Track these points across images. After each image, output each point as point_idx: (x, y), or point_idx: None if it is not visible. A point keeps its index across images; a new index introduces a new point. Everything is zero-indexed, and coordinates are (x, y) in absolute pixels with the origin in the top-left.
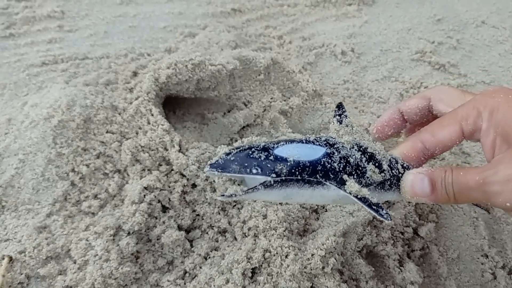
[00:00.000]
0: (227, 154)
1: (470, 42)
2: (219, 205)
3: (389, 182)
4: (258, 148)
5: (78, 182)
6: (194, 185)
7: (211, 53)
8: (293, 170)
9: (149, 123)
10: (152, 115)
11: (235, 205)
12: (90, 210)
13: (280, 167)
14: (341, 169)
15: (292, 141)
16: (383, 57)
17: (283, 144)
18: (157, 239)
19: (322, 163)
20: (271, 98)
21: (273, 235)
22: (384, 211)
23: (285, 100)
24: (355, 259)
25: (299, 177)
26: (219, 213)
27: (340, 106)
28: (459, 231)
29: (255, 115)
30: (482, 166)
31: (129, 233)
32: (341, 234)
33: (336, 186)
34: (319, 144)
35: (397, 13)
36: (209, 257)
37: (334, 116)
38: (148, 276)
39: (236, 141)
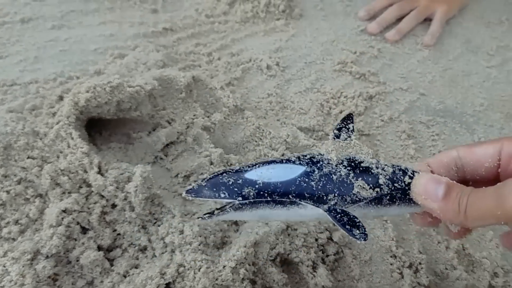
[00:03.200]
0: (203, 179)
1: (391, 50)
2: (139, 223)
3: (389, 197)
4: (231, 172)
5: None
6: (113, 205)
7: (133, 74)
8: (261, 192)
9: (69, 146)
10: (72, 138)
11: (155, 222)
12: (10, 236)
13: (248, 190)
14: (319, 187)
15: (270, 162)
16: (307, 69)
17: (258, 166)
18: (77, 261)
19: (297, 183)
20: (194, 115)
21: (188, 249)
22: (358, 231)
23: (208, 116)
24: (268, 268)
25: (268, 199)
26: (139, 231)
27: (347, 118)
28: (371, 234)
29: (178, 132)
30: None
31: (47, 257)
32: (251, 244)
33: (313, 205)
34: (300, 163)
35: (323, 26)
36: (128, 275)
37: (333, 130)
38: None
39: (161, 159)
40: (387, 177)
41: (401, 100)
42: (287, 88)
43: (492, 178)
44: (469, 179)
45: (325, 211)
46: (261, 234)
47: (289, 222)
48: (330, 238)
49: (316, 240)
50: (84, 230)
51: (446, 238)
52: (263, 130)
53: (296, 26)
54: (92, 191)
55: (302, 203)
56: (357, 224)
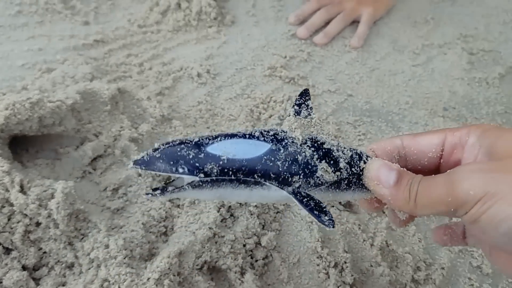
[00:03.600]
0: (155, 149)
1: (320, 54)
2: (64, 240)
3: (347, 181)
4: (190, 144)
5: None
6: (37, 223)
7: (57, 89)
8: (225, 170)
9: None
10: None
11: (82, 238)
12: None
13: (211, 166)
14: (285, 168)
15: (232, 136)
16: (238, 75)
17: (220, 140)
18: (0, 282)
19: (262, 161)
20: (121, 127)
21: (112, 263)
22: (327, 218)
23: (135, 128)
24: (195, 277)
25: (232, 177)
26: (66, 248)
27: (303, 94)
28: (299, 236)
29: (105, 145)
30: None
31: None
32: (175, 254)
33: (277, 186)
34: (264, 140)
35: (255, 32)
36: None
37: (293, 106)
38: None
39: (89, 173)
40: (346, 161)
41: (329, 102)
42: (217, 95)
43: (433, 168)
44: (410, 168)
45: (289, 193)
46: (186, 243)
47: (247, 202)
48: (258, 243)
49: (244, 245)
50: (7, 251)
51: (370, 235)
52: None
53: (228, 33)
54: (15, 210)
55: (267, 183)
56: (324, 209)
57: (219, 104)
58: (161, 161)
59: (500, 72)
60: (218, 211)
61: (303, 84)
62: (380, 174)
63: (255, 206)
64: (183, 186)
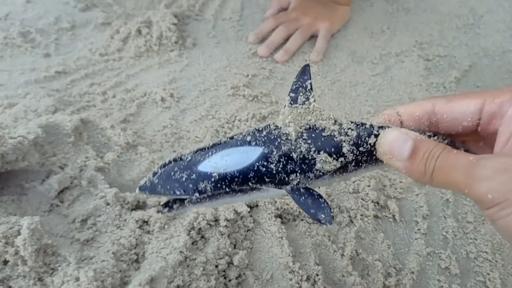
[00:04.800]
0: (154, 174)
1: (282, 70)
2: (34, 276)
3: (354, 163)
4: (183, 165)
5: None
6: (5, 262)
7: (20, 124)
8: (218, 185)
9: None
10: None
11: (52, 273)
12: None
13: (204, 185)
14: (279, 169)
15: (224, 147)
16: (201, 97)
17: (211, 154)
18: None
19: (255, 168)
20: (86, 157)
21: None
22: (323, 215)
23: (101, 157)
24: None
25: (227, 190)
26: (36, 284)
27: (303, 72)
28: (270, 252)
29: (71, 177)
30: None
31: None
32: (147, 282)
33: (275, 187)
34: (256, 143)
35: (216, 52)
36: None
37: (289, 94)
38: None
39: (57, 206)
40: (351, 142)
41: None
42: (182, 118)
43: (470, 134)
44: (443, 134)
45: (288, 192)
46: (157, 269)
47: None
48: (230, 263)
49: (216, 266)
50: None
51: (340, 246)
52: (157, 163)
53: (190, 56)
54: None
55: (263, 187)
56: (322, 206)
57: (184, 127)
58: (159, 186)
59: (456, 76)
60: (188, 234)
61: (267, 101)
62: (393, 148)
63: (225, 226)
64: (183, 203)
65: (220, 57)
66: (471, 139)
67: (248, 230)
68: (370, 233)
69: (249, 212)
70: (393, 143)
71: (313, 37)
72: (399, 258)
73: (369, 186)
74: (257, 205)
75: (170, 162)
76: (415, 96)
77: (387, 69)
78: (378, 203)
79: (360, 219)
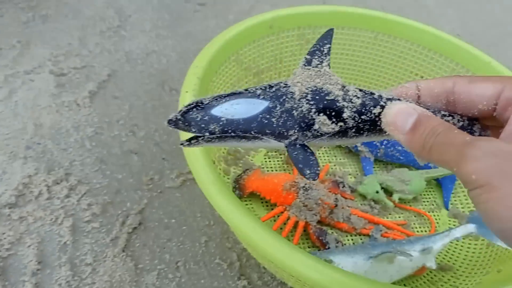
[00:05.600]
0: (180, 110)
1: None
2: None
3: (355, 129)
4: (200, 107)
5: None
6: None
7: None
8: (225, 129)
9: None
10: None
11: None
12: None
13: (213, 127)
14: (280, 124)
15: (237, 97)
16: None
17: (224, 102)
18: None
19: (258, 120)
20: None
21: None
22: (309, 171)
23: None
24: None
25: (232, 134)
26: None
27: (325, 36)
28: None
29: None
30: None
31: None
32: None
33: (275, 139)
34: (264, 98)
35: None
36: None
37: (306, 55)
38: None
39: None
40: (354, 109)
41: None
42: None
43: (487, 118)
44: (461, 115)
45: (285, 146)
46: None
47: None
48: None
49: None
50: None
51: None
52: None
53: None
54: None
55: (263, 137)
56: (311, 163)
57: None
58: (180, 122)
59: (92, 90)
60: None
61: None
62: (396, 120)
63: None
64: (198, 140)
65: None
66: (493, 124)
67: None
68: None
69: None
70: (398, 114)
71: None
72: None
73: None
74: None
75: (192, 103)
76: (43, 121)
77: (12, 93)
78: None
79: None
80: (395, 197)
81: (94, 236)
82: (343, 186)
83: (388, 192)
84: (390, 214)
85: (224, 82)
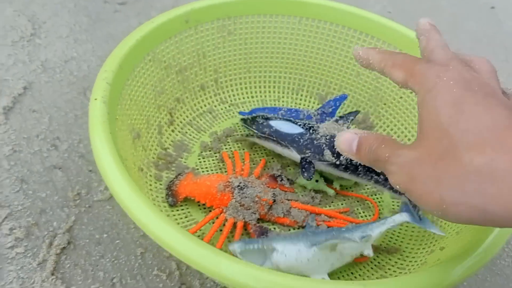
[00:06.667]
0: (252, 112)
1: None
2: None
3: (344, 167)
4: (264, 117)
5: None
6: None
7: None
8: (272, 134)
9: None
10: None
11: None
12: None
13: (266, 130)
14: (303, 144)
15: (289, 118)
16: None
17: (279, 119)
18: None
19: (292, 137)
20: None
21: None
22: (306, 174)
23: None
24: None
25: (273, 138)
26: None
27: (352, 113)
28: None
29: None
30: (400, 145)
31: None
32: None
33: (295, 150)
34: (303, 126)
35: None
36: None
37: (337, 116)
38: None
39: None
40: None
41: None
42: None
43: None
44: None
45: (301, 157)
46: None
47: (282, 154)
48: None
49: None
50: None
51: None
52: None
53: None
54: None
55: (290, 148)
56: (310, 170)
57: None
58: (248, 121)
59: (6, 105)
60: None
61: None
62: (344, 147)
63: None
64: (253, 135)
65: None
66: None
67: None
68: None
69: None
70: (344, 142)
71: None
72: None
73: None
74: None
75: (261, 112)
76: None
77: None
78: None
79: None
80: (336, 184)
81: (19, 262)
82: (281, 180)
83: (329, 180)
84: (332, 202)
85: (142, 84)
